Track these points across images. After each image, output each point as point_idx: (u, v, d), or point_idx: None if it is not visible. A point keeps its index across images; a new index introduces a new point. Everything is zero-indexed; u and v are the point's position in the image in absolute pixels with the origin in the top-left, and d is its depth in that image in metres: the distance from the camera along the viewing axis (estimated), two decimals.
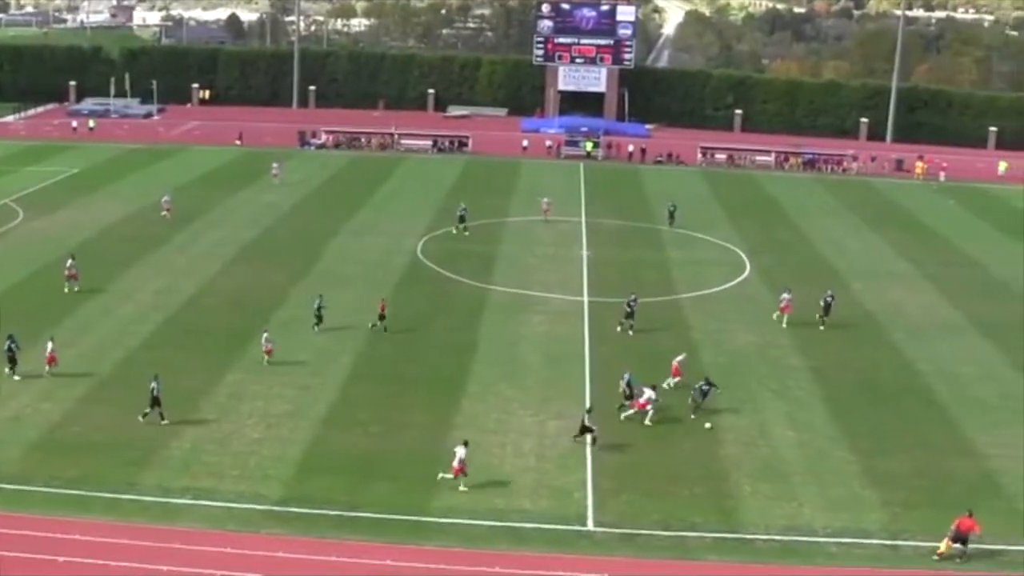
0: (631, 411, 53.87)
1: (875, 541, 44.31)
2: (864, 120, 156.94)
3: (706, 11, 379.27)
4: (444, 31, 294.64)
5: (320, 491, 45.57)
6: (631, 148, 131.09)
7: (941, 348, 67.96)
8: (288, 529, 42.60)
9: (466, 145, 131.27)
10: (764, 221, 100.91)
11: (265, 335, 59.97)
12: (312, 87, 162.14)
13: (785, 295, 70.33)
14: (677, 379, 58.54)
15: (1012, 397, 60.68)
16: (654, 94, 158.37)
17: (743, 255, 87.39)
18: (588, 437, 50.48)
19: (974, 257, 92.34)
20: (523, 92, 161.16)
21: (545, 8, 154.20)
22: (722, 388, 57.76)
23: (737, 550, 42.97)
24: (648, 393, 53.58)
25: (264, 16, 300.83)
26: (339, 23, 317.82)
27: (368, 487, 46.16)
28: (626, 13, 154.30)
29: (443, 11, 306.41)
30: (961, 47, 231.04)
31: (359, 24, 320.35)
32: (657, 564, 41.57)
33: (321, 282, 74.18)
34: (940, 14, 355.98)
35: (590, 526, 44.09)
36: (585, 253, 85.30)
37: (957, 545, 43.19)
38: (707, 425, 53.93)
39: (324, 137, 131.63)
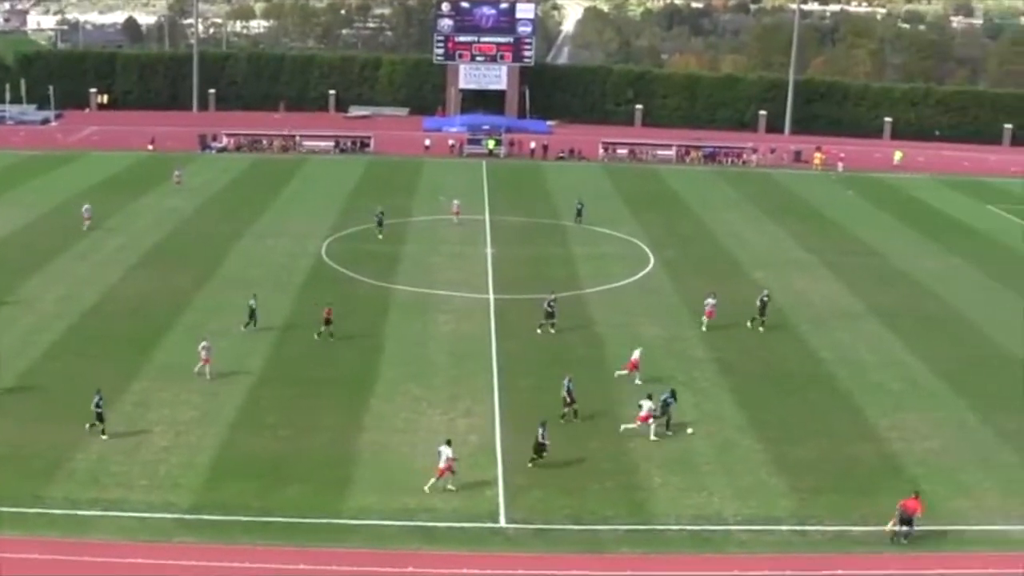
0: (632, 425, 52.41)
1: (784, 527, 44.97)
2: (762, 113, 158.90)
3: (605, 7, 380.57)
4: (344, 31, 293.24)
5: (231, 497, 45.29)
6: (533, 145, 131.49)
7: (843, 336, 69.02)
8: (200, 537, 42.28)
9: (368, 145, 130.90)
10: (666, 214, 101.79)
11: (203, 344, 58.42)
12: (212, 90, 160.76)
13: (710, 300, 69.39)
14: (630, 372, 59.15)
15: (911, 382, 61.93)
16: (555, 91, 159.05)
17: (646, 248, 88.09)
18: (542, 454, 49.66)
19: (873, 246, 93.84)
20: (424, 91, 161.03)
21: (445, 7, 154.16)
22: (632, 382, 58.54)
23: (649, 541, 43.37)
24: (647, 405, 52.18)
25: (162, 19, 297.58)
26: (238, 25, 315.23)
27: (279, 491, 45.94)
28: (525, 11, 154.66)
29: (342, 11, 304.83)
30: (855, 40, 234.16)
31: (258, 26, 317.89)
32: (570, 559, 41.78)
33: (225, 286, 73.75)
34: (834, 7, 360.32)
35: (502, 523, 44.24)
36: (489, 251, 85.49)
37: (903, 527, 44.29)
38: (688, 430, 53.77)
39: (225, 140, 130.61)
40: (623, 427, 52.96)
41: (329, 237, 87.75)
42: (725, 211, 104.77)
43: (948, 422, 56.47)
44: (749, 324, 69.49)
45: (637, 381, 58.67)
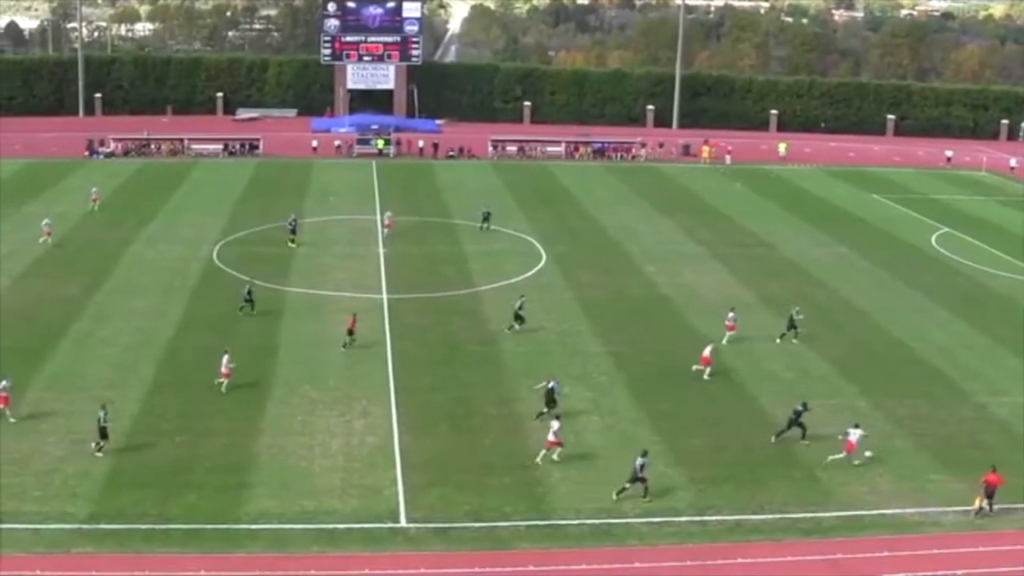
0: (839, 456, 51.37)
1: (683, 518, 45.49)
2: (650, 107, 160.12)
3: (491, 5, 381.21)
4: (230, 33, 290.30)
5: (129, 505, 44.73)
6: (422, 144, 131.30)
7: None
8: (99, 547, 41.70)
9: (257, 148, 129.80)
10: (557, 210, 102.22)
11: (225, 357, 57.36)
12: (98, 94, 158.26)
13: (731, 314, 68.21)
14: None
15: (803, 371, 62.92)
16: (443, 89, 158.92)
17: (538, 245, 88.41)
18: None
19: (761, 237, 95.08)
20: (312, 92, 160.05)
21: (331, 7, 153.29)
22: (528, 377, 58.91)
23: (550, 536, 43.60)
24: (555, 425, 51.23)
25: (45, 23, 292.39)
26: (123, 28, 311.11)
27: (178, 498, 45.48)
28: (412, 10, 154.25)
29: (228, 13, 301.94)
30: (740, 33, 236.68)
31: (143, 29, 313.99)
32: (471, 556, 41.88)
33: (116, 293, 72.77)
34: (719, 2, 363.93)
35: (403, 522, 44.20)
36: (382, 251, 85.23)
37: (987, 501, 46.35)
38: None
39: (113, 145, 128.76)
40: (830, 458, 51.35)
41: (220, 241, 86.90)
42: (615, 206, 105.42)
43: (841, 409, 57.39)
44: (779, 340, 68.16)
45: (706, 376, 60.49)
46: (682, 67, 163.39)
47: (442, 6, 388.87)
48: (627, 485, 47.04)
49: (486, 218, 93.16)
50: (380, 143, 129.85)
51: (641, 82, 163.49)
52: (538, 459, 49.74)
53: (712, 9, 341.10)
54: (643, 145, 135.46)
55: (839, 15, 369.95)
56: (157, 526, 43.21)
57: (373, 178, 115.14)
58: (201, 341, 63.82)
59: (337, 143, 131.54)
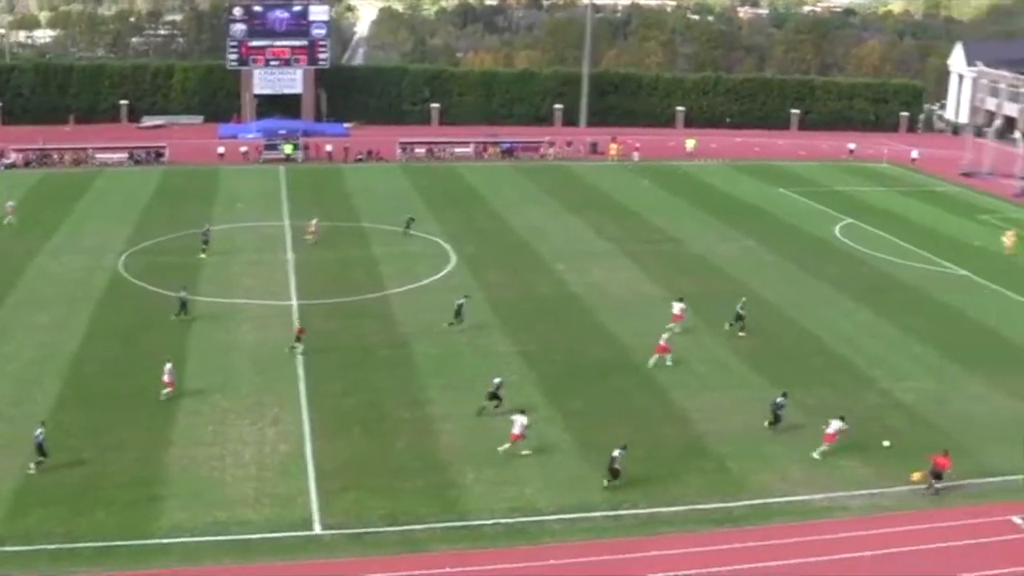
0: (507, 446, 51.60)
1: (598, 514, 45.80)
2: (558, 106, 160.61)
3: (399, 7, 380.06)
4: (134, 39, 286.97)
5: (36, 525, 43.92)
6: (330, 148, 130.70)
7: (644, 322, 70.21)
8: (4, 569, 41.04)
9: (163, 155, 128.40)
10: (466, 211, 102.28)
11: (168, 367, 56.94)
12: None
13: (679, 305, 69.64)
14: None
15: (714, 363, 63.62)
16: (352, 93, 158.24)
17: (447, 246, 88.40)
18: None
19: (670, 233, 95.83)
20: (219, 98, 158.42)
21: (237, 11, 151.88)
22: (439, 379, 59.09)
23: (465, 537, 43.70)
24: (520, 420, 51.62)
25: None
26: (22, 35, 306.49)
27: (87, 515, 44.81)
28: (319, 13, 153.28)
29: (132, 19, 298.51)
30: (647, 32, 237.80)
31: (44, 35, 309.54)
32: (388, 560, 41.85)
33: (19, 307, 71.59)
34: (626, 1, 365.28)
35: (317, 529, 44.07)
36: (290, 256, 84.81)
37: (936, 482, 48.49)
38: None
39: (13, 156, 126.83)
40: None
41: (126, 251, 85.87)
42: (524, 205, 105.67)
43: (751, 400, 58.05)
44: (728, 326, 69.73)
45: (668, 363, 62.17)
46: (590, 66, 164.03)
47: (349, 9, 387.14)
48: (606, 481, 48.15)
49: (408, 224, 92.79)
50: (288, 148, 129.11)
51: (549, 82, 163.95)
52: (500, 449, 50.66)
53: (619, 8, 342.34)
54: (551, 144, 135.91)
55: (744, 12, 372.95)
56: (65, 545, 42.50)
57: (281, 184, 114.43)
58: (107, 352, 63.16)
59: (244, 149, 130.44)
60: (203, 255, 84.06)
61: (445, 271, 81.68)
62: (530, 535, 44.07)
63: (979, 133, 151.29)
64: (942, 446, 52.18)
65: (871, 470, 50.67)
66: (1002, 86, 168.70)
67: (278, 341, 65.11)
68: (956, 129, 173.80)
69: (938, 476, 48.78)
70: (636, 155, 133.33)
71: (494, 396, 55.30)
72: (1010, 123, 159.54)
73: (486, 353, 64.28)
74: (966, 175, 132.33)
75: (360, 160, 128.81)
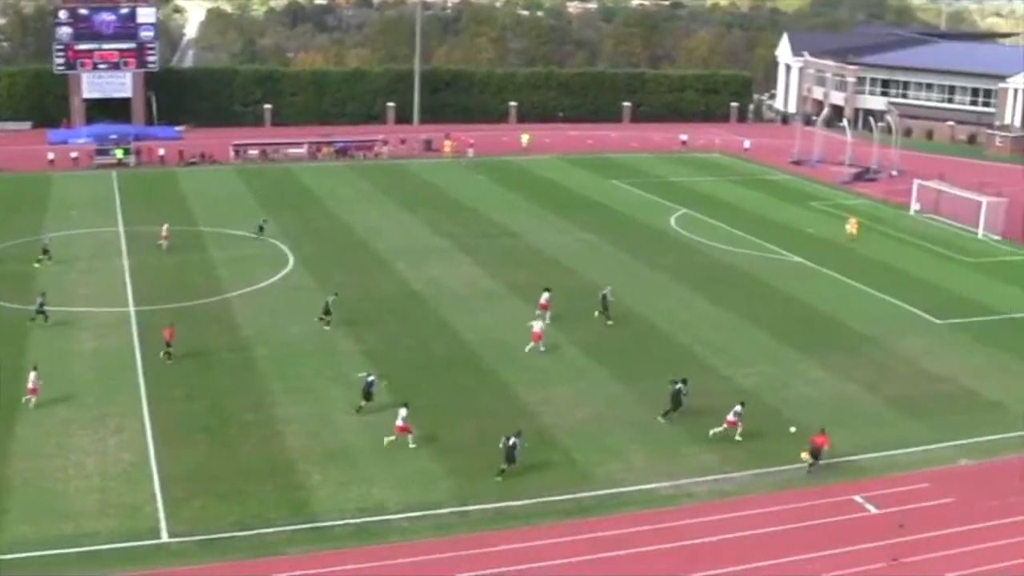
0: (392, 438, 52.00)
1: (445, 510, 45.95)
2: (391, 105, 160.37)
3: (228, 8, 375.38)
4: None
5: None
6: (162, 152, 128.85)
7: (485, 317, 70.82)
8: None
9: None
10: (302, 212, 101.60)
11: (33, 375, 55.52)
12: None
13: (545, 295, 70.98)
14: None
15: (556, 357, 64.19)
16: (182, 95, 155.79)
17: (285, 248, 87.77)
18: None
19: (507, 227, 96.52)
20: (47, 103, 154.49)
21: (63, 15, 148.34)
22: (282, 381, 58.80)
23: (315, 539, 43.52)
24: (402, 412, 52.01)
25: None
26: None
27: None
28: (146, 15, 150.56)
29: None
30: (477, 28, 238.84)
31: None
32: (238, 565, 41.53)
33: None
34: None
35: (165, 538, 43.50)
36: (127, 263, 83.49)
37: (814, 460, 50.24)
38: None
39: None
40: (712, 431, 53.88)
41: None
42: (361, 204, 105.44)
43: (594, 392, 58.93)
44: (596, 315, 71.17)
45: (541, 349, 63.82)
46: (421, 63, 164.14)
47: (177, 11, 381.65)
48: (504, 466, 48.81)
49: (261, 228, 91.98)
50: (120, 153, 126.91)
51: (381, 80, 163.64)
52: (386, 440, 51.45)
53: (449, 5, 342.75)
54: (385, 143, 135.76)
55: (573, 7, 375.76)
56: None
57: (114, 189, 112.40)
58: None
59: (75, 155, 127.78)
60: (37, 264, 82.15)
61: (283, 272, 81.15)
62: (379, 534, 44.09)
63: (808, 122, 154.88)
64: (783, 430, 53.65)
65: (716, 456, 51.75)
66: (828, 75, 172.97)
67: (118, 349, 64.15)
68: (785, 118, 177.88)
69: (816, 455, 50.31)
70: (471, 151, 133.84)
71: (368, 393, 55.42)
72: (837, 111, 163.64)
73: (329, 353, 64.09)
74: (796, 163, 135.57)
75: (193, 163, 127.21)
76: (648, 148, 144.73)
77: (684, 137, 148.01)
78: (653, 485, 48.85)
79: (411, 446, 51.58)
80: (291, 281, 78.96)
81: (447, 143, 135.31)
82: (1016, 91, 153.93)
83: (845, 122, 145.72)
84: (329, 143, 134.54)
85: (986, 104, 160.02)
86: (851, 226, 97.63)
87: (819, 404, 58.28)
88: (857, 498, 48.43)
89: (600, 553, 42.94)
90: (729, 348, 66.84)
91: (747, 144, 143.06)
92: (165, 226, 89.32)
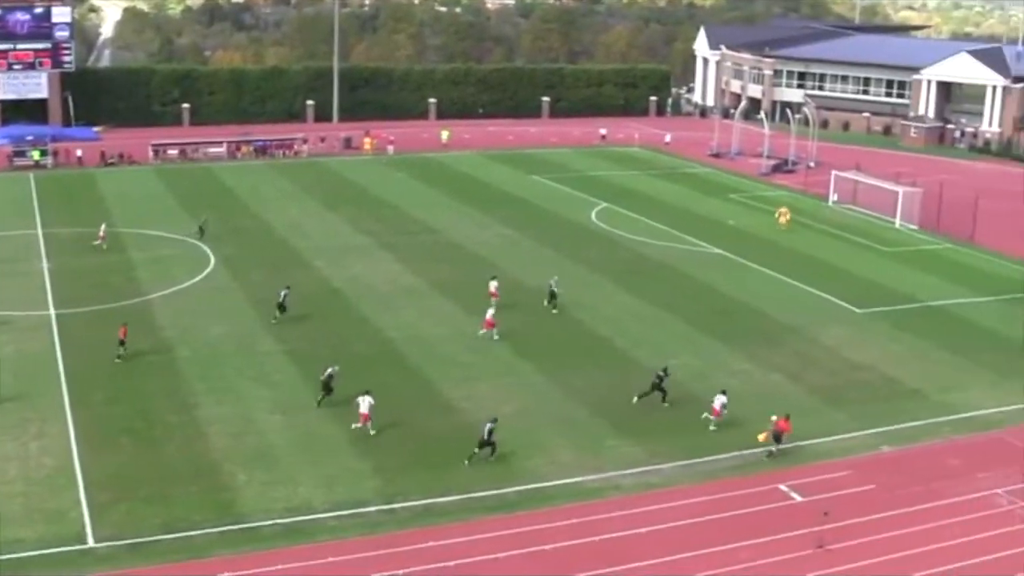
0: (357, 425, 53.37)
1: (372, 508, 45.96)
2: (310, 103, 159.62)
3: (144, 7, 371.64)
4: None
5: None
6: (80, 153, 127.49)
7: (408, 314, 70.86)
8: None
9: None
10: (223, 212, 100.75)
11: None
12: None
13: (493, 283, 72.45)
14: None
15: (480, 352, 64.33)
16: (100, 95, 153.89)
17: (206, 248, 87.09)
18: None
19: (428, 224, 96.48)
20: None
21: None
22: (205, 382, 58.52)
23: (243, 540, 43.33)
24: (367, 400, 53.20)
25: None
26: None
27: None
28: (62, 15, 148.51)
29: None
30: (396, 25, 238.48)
31: None
32: (166, 568, 41.22)
33: None
34: None
35: (91, 543, 43.06)
36: (46, 265, 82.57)
37: (776, 444, 51.90)
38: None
39: None
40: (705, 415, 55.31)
41: None
42: (282, 203, 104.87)
43: (518, 386, 59.19)
44: (546, 303, 72.97)
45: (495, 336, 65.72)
46: (340, 60, 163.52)
47: (93, 10, 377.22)
48: (476, 450, 50.13)
49: (202, 229, 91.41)
50: (36, 154, 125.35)
51: (299, 78, 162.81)
52: (353, 426, 52.96)
53: (367, 2, 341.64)
54: (305, 141, 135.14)
55: (491, 3, 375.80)
56: None
57: (32, 191, 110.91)
58: None
59: None
60: None
61: (204, 273, 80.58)
62: (307, 534, 43.96)
63: (726, 115, 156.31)
64: (709, 421, 54.20)
65: (641, 449, 52.15)
66: (745, 68, 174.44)
67: (39, 352, 63.44)
68: (704, 111, 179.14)
69: (778, 439, 51.85)
70: (391, 148, 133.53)
71: (327, 386, 55.94)
72: (755, 104, 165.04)
73: (251, 353, 63.79)
74: (715, 156, 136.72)
75: (112, 164, 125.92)
76: (568, 143, 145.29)
77: (603, 131, 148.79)
78: (580, 479, 49.12)
79: (371, 433, 52.49)
80: (212, 281, 78.44)
81: (367, 140, 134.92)
82: (929, 82, 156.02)
83: (763, 114, 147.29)
84: (249, 142, 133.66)
85: (900, 95, 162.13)
86: (782, 216, 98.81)
87: (743, 394, 58.77)
88: (782, 487, 49.03)
89: (528, 548, 43.10)
90: (652, 340, 67.33)
91: (668, 138, 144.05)
92: (103, 226, 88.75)
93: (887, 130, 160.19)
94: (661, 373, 57.31)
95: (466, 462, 49.84)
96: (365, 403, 52.87)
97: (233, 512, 45.45)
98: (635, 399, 56.82)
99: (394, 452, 51.07)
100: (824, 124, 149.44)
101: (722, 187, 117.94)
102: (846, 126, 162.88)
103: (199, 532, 43.83)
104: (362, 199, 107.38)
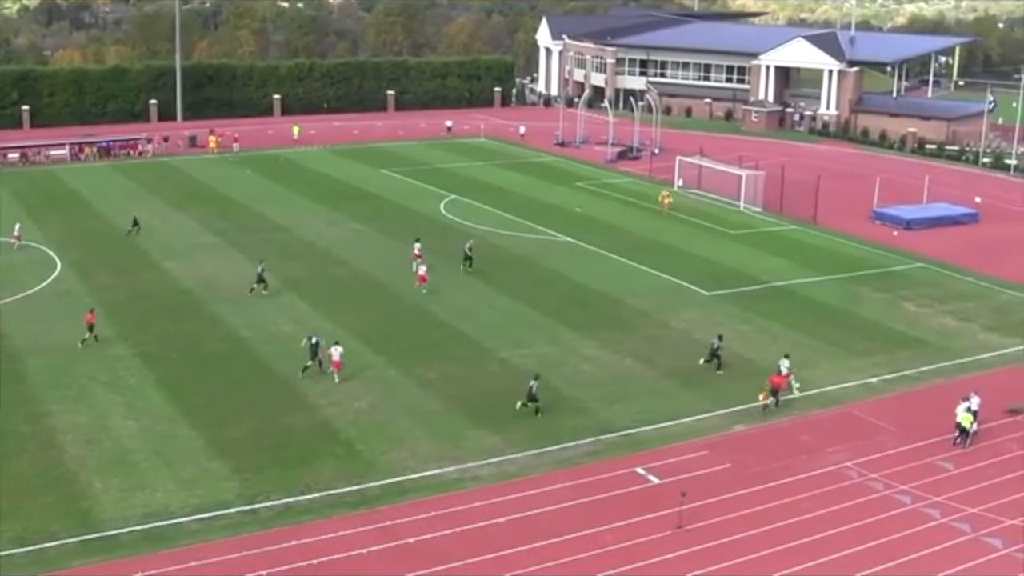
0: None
1: (233, 510, 45.63)
2: (153, 102, 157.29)
3: None
4: None
5: None
6: None
7: (260, 312, 70.37)
8: None
9: None
10: (68, 215, 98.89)
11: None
12: None
13: (422, 268, 75.70)
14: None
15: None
16: None
17: (52, 252, 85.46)
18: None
19: (278, 221, 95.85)
20: None
21: None
22: (57, 390, 57.53)
23: (102, 549, 42.62)
24: (338, 349, 59.42)
25: None
26: None
27: None
28: None
29: None
30: (238, 21, 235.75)
31: None
32: None
33: None
34: None
35: None
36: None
37: (772, 399, 56.52)
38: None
39: None
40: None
41: None
42: (128, 204, 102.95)
43: (373, 380, 59.23)
44: (461, 267, 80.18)
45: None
46: (182, 58, 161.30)
47: None
48: (527, 403, 54.75)
49: (135, 226, 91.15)
50: None
51: (142, 77, 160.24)
52: (336, 380, 58.85)
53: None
54: (149, 140, 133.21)
55: None
56: None
57: None
58: None
59: None
60: None
61: (51, 278, 79.05)
62: (168, 539, 43.46)
63: (570, 104, 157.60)
64: (563, 408, 54.89)
65: (499, 438, 52.55)
66: (588, 57, 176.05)
67: None
68: (548, 101, 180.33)
69: (775, 393, 56.34)
70: (236, 146, 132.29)
71: (314, 353, 59.67)
72: (598, 92, 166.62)
73: (102, 358, 62.74)
74: (561, 145, 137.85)
75: None
76: (414, 136, 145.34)
77: (449, 123, 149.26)
78: (438, 470, 49.35)
79: (335, 381, 58.58)
80: (60, 286, 77.01)
81: (212, 139, 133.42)
82: (768, 68, 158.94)
83: (606, 103, 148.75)
84: (92, 143, 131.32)
85: (741, 81, 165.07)
86: (665, 199, 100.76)
87: (597, 380, 59.64)
88: (639, 470, 49.80)
89: (391, 542, 43.22)
90: (505, 330, 67.80)
91: (523, 130, 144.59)
92: (18, 225, 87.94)
93: (729, 115, 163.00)
94: (717, 341, 62.22)
95: (518, 405, 54.90)
96: (336, 352, 58.78)
97: (91, 521, 44.74)
98: (700, 361, 62.42)
99: (252, 452, 50.76)
100: (667, 111, 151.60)
101: (569, 175, 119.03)
102: (688, 112, 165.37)
103: (55, 543, 43.03)
104: (210, 198, 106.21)
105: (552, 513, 45.79)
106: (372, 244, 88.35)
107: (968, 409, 53.39)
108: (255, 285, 73.83)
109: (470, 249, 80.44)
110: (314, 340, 59.81)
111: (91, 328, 64.11)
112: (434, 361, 61.96)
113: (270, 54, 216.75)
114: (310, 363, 59.47)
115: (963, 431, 53.06)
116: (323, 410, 55.58)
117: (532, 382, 55.01)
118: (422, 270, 75.47)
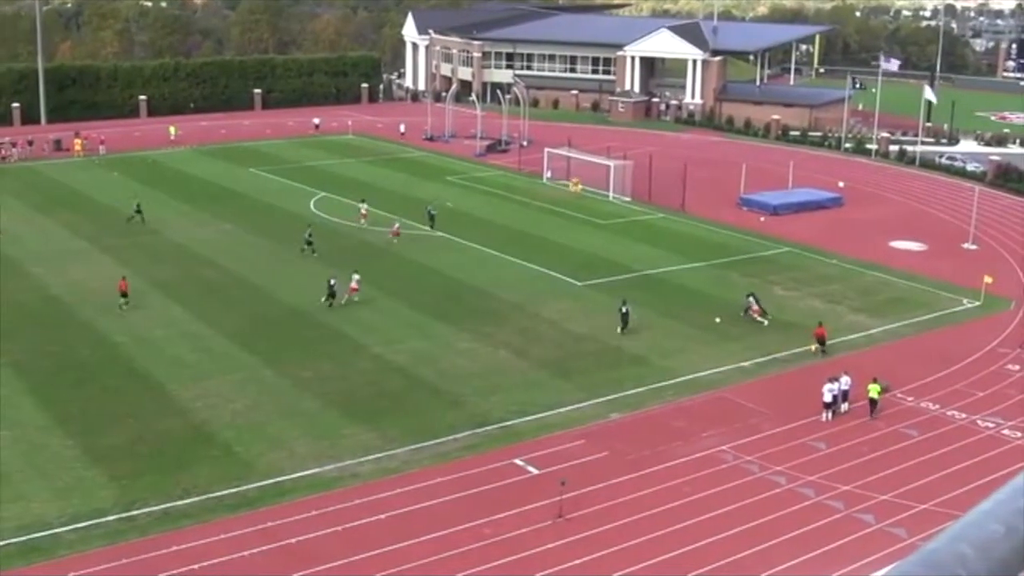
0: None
1: (111, 518, 44.99)
2: (16, 105, 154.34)
3: None
4: None
5: None
6: None
7: (132, 317, 69.58)
8: None
9: None
10: None
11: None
12: None
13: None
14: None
15: (205, 350, 63.83)
16: None
17: None
18: None
19: (148, 224, 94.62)
20: None
21: None
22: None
23: None
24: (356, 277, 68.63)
25: None
26: None
27: None
28: None
29: None
30: (101, 21, 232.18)
31: None
32: None
33: None
34: None
35: None
36: None
37: (819, 347, 64.01)
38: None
39: None
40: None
41: None
42: None
43: (248, 381, 58.97)
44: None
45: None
46: (44, 60, 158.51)
47: None
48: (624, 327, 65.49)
49: (139, 210, 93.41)
50: None
51: (3, 79, 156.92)
52: (342, 302, 69.17)
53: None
54: (13, 145, 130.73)
55: None
56: None
57: None
58: None
59: None
60: None
61: None
62: (45, 550, 42.73)
63: (438, 98, 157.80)
64: (440, 402, 55.22)
65: (376, 435, 52.66)
66: (454, 52, 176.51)
67: None
68: (416, 96, 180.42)
69: (822, 342, 63.83)
70: (103, 148, 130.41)
71: (331, 294, 69.66)
72: (466, 86, 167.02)
73: None
74: (429, 140, 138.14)
75: None
76: (282, 134, 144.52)
77: (317, 121, 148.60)
78: (318, 470, 49.30)
79: (342, 303, 69.62)
80: None
81: (77, 142, 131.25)
82: (633, 58, 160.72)
83: (474, 96, 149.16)
84: None
85: (607, 72, 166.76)
86: (574, 186, 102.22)
87: (472, 373, 60.06)
88: (517, 461, 50.27)
89: (273, 543, 43.06)
90: (379, 326, 67.93)
91: (403, 128, 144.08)
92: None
93: (595, 106, 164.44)
94: (751, 299, 70.03)
95: (619, 330, 65.25)
96: (355, 280, 70.44)
97: None
98: (741, 314, 69.94)
99: (129, 458, 50.27)
100: (535, 103, 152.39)
101: (439, 170, 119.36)
102: (556, 104, 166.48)
103: None
104: (77, 202, 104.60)
105: (432, 508, 45.99)
106: (242, 244, 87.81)
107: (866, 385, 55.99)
108: (306, 246, 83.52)
109: (433, 209, 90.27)
110: (332, 282, 70.44)
111: (124, 294, 65.78)
112: (308, 360, 61.90)
113: (135, 54, 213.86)
114: (328, 300, 70.20)
115: (873, 403, 55.51)
116: (199, 413, 55.23)
117: None
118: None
